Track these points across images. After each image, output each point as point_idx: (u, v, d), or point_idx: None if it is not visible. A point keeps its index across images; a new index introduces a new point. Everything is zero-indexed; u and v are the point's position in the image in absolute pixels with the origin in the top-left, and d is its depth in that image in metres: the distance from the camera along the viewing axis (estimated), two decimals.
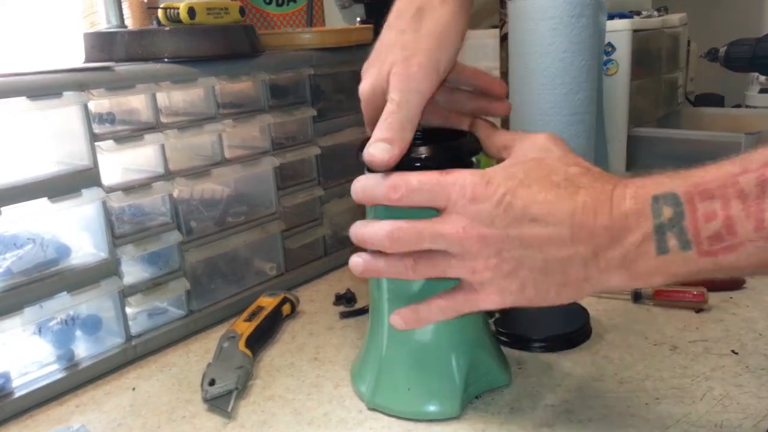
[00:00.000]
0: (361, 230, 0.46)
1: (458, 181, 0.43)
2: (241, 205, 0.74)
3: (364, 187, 0.46)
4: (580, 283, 0.41)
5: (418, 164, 0.47)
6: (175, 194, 0.66)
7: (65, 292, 0.57)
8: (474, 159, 0.50)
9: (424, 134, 0.53)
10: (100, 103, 0.60)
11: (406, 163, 0.47)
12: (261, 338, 0.63)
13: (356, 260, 0.47)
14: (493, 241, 0.41)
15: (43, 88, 0.55)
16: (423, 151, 0.47)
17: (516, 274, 0.42)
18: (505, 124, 1.06)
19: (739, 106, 1.53)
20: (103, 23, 0.74)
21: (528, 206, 0.41)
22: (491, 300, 0.44)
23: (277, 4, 1.17)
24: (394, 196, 0.44)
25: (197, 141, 0.69)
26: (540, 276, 0.42)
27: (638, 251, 0.38)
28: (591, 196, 0.40)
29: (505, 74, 1.16)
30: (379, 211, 0.48)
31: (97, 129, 0.59)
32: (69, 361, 0.59)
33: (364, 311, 0.70)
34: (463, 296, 0.45)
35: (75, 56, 0.74)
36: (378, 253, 0.46)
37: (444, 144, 0.48)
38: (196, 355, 0.64)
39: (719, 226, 0.36)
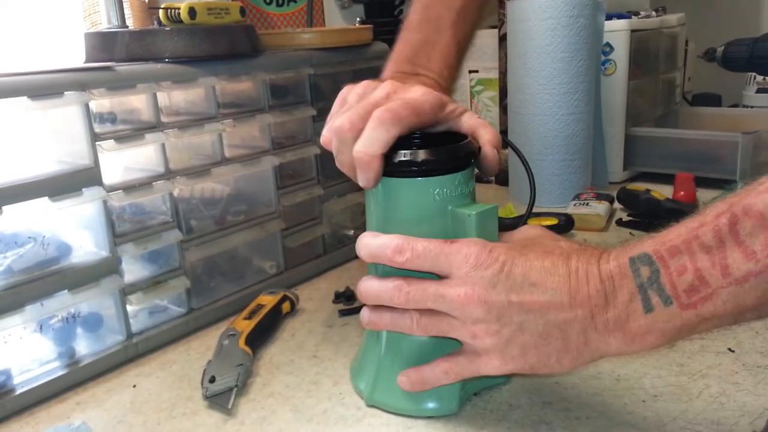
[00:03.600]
0: (368, 284, 0.48)
1: (462, 249, 0.44)
2: (241, 204, 0.74)
3: (368, 246, 0.47)
4: (580, 349, 0.42)
5: (416, 168, 0.47)
6: (176, 193, 0.66)
7: (66, 291, 0.58)
8: (473, 161, 0.51)
9: (423, 138, 0.53)
10: (101, 103, 0.60)
11: (404, 167, 0.47)
12: (261, 336, 0.64)
13: (363, 313, 0.50)
14: (495, 307, 0.43)
15: (44, 88, 0.55)
16: (422, 155, 0.47)
17: (517, 340, 0.43)
18: (504, 125, 1.06)
19: (736, 105, 1.53)
20: (104, 23, 0.75)
21: (527, 272, 0.43)
22: (492, 365, 0.45)
23: (278, 5, 1.17)
24: (399, 260, 0.46)
25: (198, 140, 0.69)
26: (541, 341, 0.43)
27: (628, 310, 0.40)
28: (582, 262, 0.42)
29: (504, 74, 1.17)
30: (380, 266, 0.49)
31: (98, 128, 0.59)
32: (70, 358, 0.60)
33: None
34: (465, 359, 0.46)
35: (76, 56, 0.74)
36: (385, 306, 0.48)
37: (443, 147, 0.48)
38: (197, 353, 0.64)
39: (692, 278, 0.38)
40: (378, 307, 0.49)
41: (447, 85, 0.62)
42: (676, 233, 0.39)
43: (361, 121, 0.47)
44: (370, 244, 0.47)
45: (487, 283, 0.43)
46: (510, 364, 0.44)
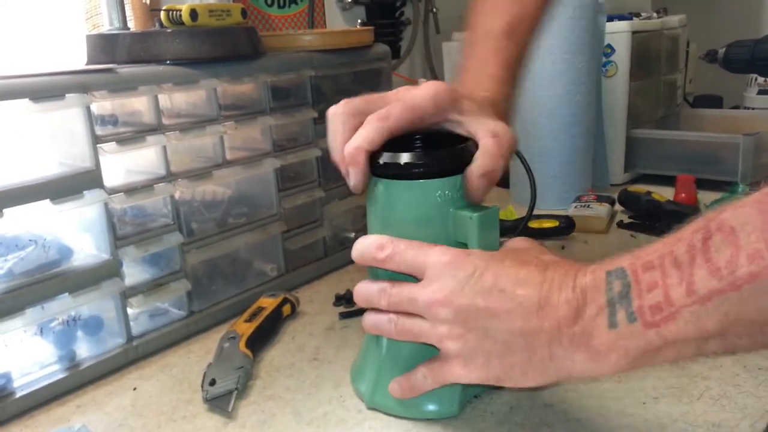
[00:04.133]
0: (359, 287, 0.49)
1: (438, 250, 0.45)
2: (242, 207, 0.74)
3: (357, 245, 0.48)
4: (545, 363, 0.41)
5: (417, 170, 0.47)
6: (177, 196, 0.66)
7: (67, 293, 0.58)
8: None
9: (424, 140, 0.53)
10: (102, 105, 0.60)
11: (406, 169, 0.47)
12: (261, 339, 0.64)
13: (364, 316, 0.51)
14: (461, 310, 0.43)
15: (45, 90, 0.55)
16: (422, 157, 0.47)
17: (481, 347, 0.43)
18: None
19: (737, 107, 1.53)
20: (105, 25, 0.74)
21: (498, 279, 0.42)
22: (457, 372, 0.45)
23: (279, 6, 1.17)
24: (380, 256, 0.47)
25: (199, 143, 0.69)
26: (505, 350, 0.42)
27: (593, 325, 0.39)
28: (558, 273, 0.42)
29: None
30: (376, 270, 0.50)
31: (100, 131, 0.59)
32: (70, 361, 0.60)
33: (363, 312, 0.70)
34: (437, 365, 0.46)
35: (77, 58, 0.74)
36: (375, 309, 0.49)
37: (444, 149, 0.48)
38: (197, 356, 0.64)
39: (659, 295, 0.36)
40: (371, 310, 0.49)
41: (496, 95, 0.56)
42: (654, 248, 0.38)
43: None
44: (359, 243, 0.48)
45: (456, 284, 0.43)
46: (474, 372, 0.44)
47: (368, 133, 0.47)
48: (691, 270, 0.35)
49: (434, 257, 0.44)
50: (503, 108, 0.56)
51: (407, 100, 0.49)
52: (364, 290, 0.49)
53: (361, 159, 0.47)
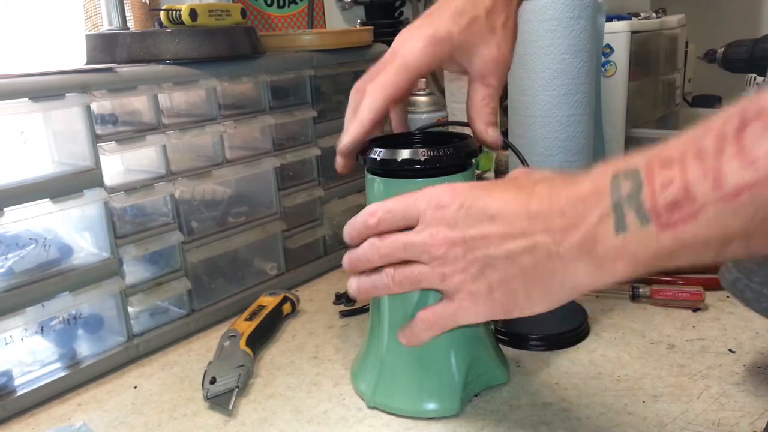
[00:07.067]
0: (349, 253, 0.48)
1: (428, 192, 0.44)
2: (242, 206, 0.74)
3: (349, 223, 0.48)
4: (547, 281, 0.39)
5: (419, 166, 0.47)
6: (177, 195, 0.66)
7: (67, 292, 0.58)
8: (473, 160, 0.51)
9: (425, 137, 0.53)
10: (102, 105, 0.60)
11: (406, 167, 0.47)
12: (261, 337, 0.64)
13: (350, 282, 0.49)
14: (458, 243, 0.42)
15: (45, 90, 0.55)
16: (423, 154, 0.47)
17: (483, 276, 0.42)
18: (505, 127, 1.06)
19: None
20: (105, 25, 0.75)
21: (486, 206, 0.41)
22: (465, 308, 0.43)
23: (278, 6, 1.17)
24: (372, 222, 0.46)
25: (199, 142, 0.69)
26: (505, 275, 0.41)
27: (596, 231, 0.35)
28: (548, 186, 0.40)
29: None
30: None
31: (100, 130, 0.59)
32: (71, 359, 0.60)
33: (363, 310, 0.70)
34: (441, 308, 0.45)
35: (77, 58, 0.74)
36: (367, 272, 0.48)
37: (444, 146, 0.48)
38: (198, 354, 0.64)
39: (677, 191, 0.32)
40: (361, 273, 0.48)
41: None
42: (676, 142, 0.33)
43: None
44: (349, 224, 0.48)
45: (449, 222, 0.42)
46: (480, 306, 0.43)
47: (366, 103, 0.50)
48: (719, 161, 0.30)
49: (423, 202, 0.44)
50: (502, 19, 0.55)
51: (398, 60, 0.50)
52: (354, 252, 0.48)
53: (349, 152, 0.52)
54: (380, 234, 0.46)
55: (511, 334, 0.61)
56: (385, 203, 0.46)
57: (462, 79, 0.58)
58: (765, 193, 0.29)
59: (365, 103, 0.51)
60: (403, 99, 0.53)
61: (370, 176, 0.51)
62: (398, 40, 0.51)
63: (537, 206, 0.39)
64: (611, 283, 0.37)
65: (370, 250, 0.46)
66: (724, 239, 0.31)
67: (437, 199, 0.43)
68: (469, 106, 0.52)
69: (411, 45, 0.50)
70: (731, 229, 0.31)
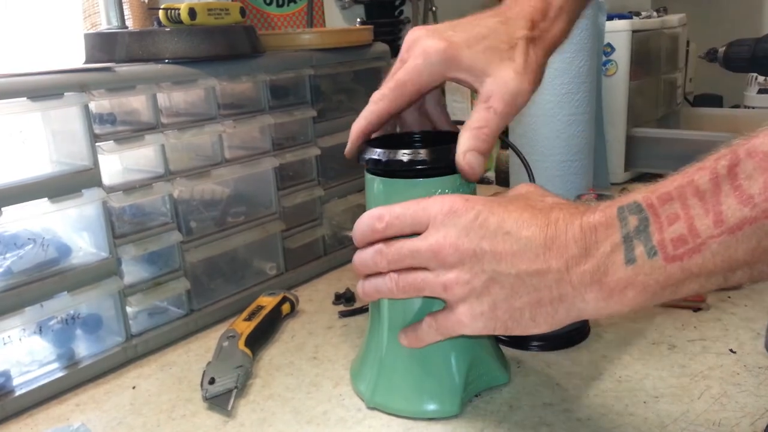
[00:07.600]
0: (356, 254, 0.48)
1: (439, 199, 0.44)
2: (241, 205, 0.74)
3: (356, 226, 0.48)
4: (555, 304, 0.40)
5: (419, 166, 0.47)
6: (176, 194, 0.66)
7: (66, 292, 0.57)
8: None
9: (424, 137, 0.53)
10: (100, 104, 0.60)
11: (406, 167, 0.47)
12: (260, 337, 0.64)
13: (358, 284, 0.50)
14: (466, 254, 0.42)
15: (44, 89, 0.55)
16: (423, 154, 0.47)
17: (488, 292, 0.42)
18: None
19: (737, 106, 1.53)
20: (103, 24, 0.74)
21: (502, 222, 0.41)
22: (463, 321, 0.43)
23: (278, 5, 1.17)
24: (380, 226, 0.46)
25: (197, 141, 0.69)
26: (512, 294, 0.41)
27: (608, 262, 0.37)
28: (564, 213, 0.41)
29: None
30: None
31: (98, 129, 0.59)
32: (69, 360, 0.59)
33: (363, 310, 0.70)
34: (443, 316, 0.45)
35: (76, 57, 0.74)
36: (373, 275, 0.48)
37: (444, 147, 0.48)
38: (196, 354, 0.64)
39: (683, 227, 0.35)
40: (368, 276, 0.48)
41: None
42: (671, 180, 0.36)
43: None
44: (356, 226, 0.48)
45: (460, 230, 0.42)
46: (481, 320, 0.43)
47: (367, 111, 0.50)
48: (717, 199, 0.34)
49: (435, 208, 0.44)
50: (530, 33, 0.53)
51: (399, 76, 0.49)
52: (362, 256, 0.48)
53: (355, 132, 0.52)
54: (387, 239, 0.46)
55: (511, 334, 0.61)
56: (393, 208, 0.46)
57: None
58: (764, 225, 0.32)
59: (363, 111, 0.51)
60: (401, 113, 0.53)
61: (369, 176, 0.51)
62: (411, 40, 0.50)
63: (553, 231, 0.40)
64: (621, 312, 0.39)
65: (377, 255, 0.46)
66: (729, 268, 0.34)
67: (450, 205, 0.43)
68: (463, 126, 0.49)
69: (412, 62, 0.49)
70: (735, 257, 0.34)
